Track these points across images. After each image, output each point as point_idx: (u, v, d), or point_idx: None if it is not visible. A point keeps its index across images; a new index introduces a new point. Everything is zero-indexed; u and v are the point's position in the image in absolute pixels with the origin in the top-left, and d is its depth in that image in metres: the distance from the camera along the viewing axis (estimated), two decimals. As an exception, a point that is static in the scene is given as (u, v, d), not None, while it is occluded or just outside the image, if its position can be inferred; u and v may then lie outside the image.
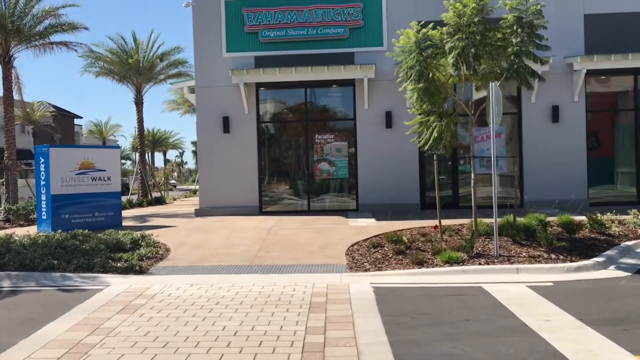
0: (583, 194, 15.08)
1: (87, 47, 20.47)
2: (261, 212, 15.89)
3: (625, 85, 15.87)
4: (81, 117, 54.09)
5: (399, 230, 11.62)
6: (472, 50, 9.85)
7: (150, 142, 67.24)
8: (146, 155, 74.45)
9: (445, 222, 11.49)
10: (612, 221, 11.52)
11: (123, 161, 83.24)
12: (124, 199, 24.10)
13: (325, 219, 14.13)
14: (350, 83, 15.67)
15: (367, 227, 12.46)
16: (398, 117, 15.44)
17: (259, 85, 15.85)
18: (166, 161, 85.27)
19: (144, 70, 23.99)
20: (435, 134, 10.78)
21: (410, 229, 11.83)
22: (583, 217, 11.56)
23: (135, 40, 24.32)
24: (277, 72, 15.00)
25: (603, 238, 10.80)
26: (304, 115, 16.07)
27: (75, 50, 19.29)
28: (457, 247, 9.85)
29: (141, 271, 9.45)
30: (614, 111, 16.20)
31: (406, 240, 10.45)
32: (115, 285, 8.55)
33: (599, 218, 11.25)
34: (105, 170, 13.90)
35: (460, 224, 11.96)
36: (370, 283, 8.36)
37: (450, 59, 9.94)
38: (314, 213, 15.56)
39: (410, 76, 10.53)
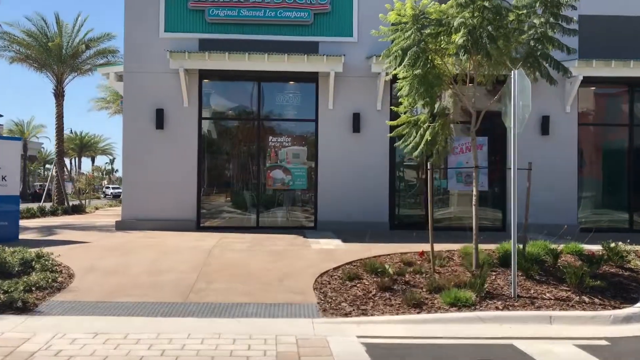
0: (573, 219, 13.20)
1: (-2, 25, 17.03)
2: (199, 228, 13.11)
3: (620, 96, 14.21)
4: (1, 115, 48.80)
5: (375, 257, 9.22)
6: (489, 28, 7.64)
7: (77, 146, 62.72)
8: (72, 160, 69.79)
9: (423, 246, 9.22)
10: (628, 252, 9.53)
11: (48, 166, 77.52)
12: (35, 205, 20.66)
13: (280, 238, 11.53)
14: (312, 78, 13.23)
15: (334, 250, 9.97)
16: (368, 120, 13.13)
17: (203, 73, 13.14)
18: (95, 168, 79.94)
19: (67, 57, 20.65)
20: (428, 136, 8.49)
21: (389, 255, 9.44)
22: (594, 247, 9.51)
23: (58, 22, 20.93)
24: (226, 57, 12.37)
25: (627, 274, 8.75)
26: (256, 113, 13.46)
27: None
28: (459, 283, 7.51)
29: (25, 309, 6.58)
30: (606, 125, 14.49)
31: (391, 272, 8.03)
32: (-25, 334, 5.67)
33: (619, 249, 9.23)
34: (-1, 168, 10.80)
35: (448, 250, 9.68)
36: (358, 336, 5.87)
37: (459, 39, 7.65)
38: (264, 230, 12.93)
39: (403, 60, 8.20)
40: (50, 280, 7.57)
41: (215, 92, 13.70)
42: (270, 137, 13.37)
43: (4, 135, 50.74)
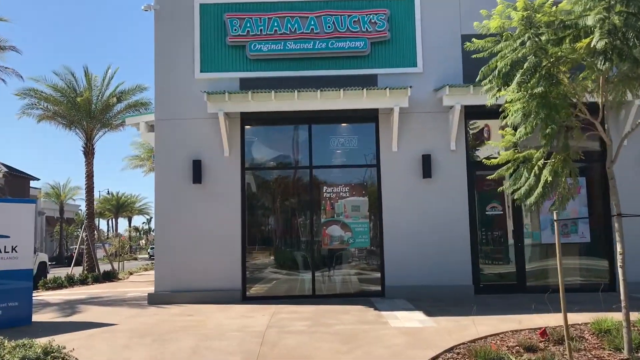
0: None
1: (19, 76, 15.79)
2: (245, 299, 11.04)
3: None
4: (38, 179, 48.47)
5: (480, 338, 6.98)
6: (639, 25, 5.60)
7: (113, 207, 61.99)
8: (109, 221, 69.13)
9: (535, 320, 6.99)
10: None
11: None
12: (63, 273, 19.00)
13: (344, 311, 9.37)
14: (371, 116, 11.33)
15: (421, 330, 7.74)
16: (440, 163, 11.08)
17: (245, 117, 11.38)
18: (132, 229, 79.10)
19: (97, 112, 19.38)
20: (547, 176, 6.40)
21: (497, 335, 7.21)
22: None
23: (87, 75, 19.74)
24: (272, 96, 10.58)
25: None
26: (307, 161, 11.52)
27: (3, 80, 14.63)
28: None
29: None
30: None
31: (519, 366, 5.79)
32: None
33: None
34: (7, 237, 9.03)
35: (572, 325, 7.38)
36: None
37: (596, 41, 5.60)
38: (322, 300, 10.79)
39: (512, 78, 6.21)
40: (56, 391, 5.59)
41: (259, 138, 11.88)
42: (325, 188, 11.39)
43: (42, 198, 50.31)
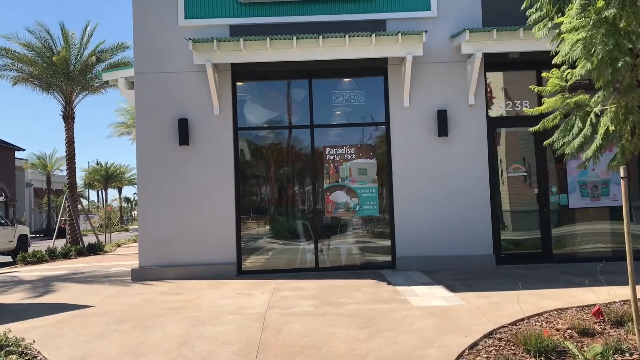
0: None
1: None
2: (241, 273, 9.92)
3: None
4: (23, 150, 46.84)
5: (523, 320, 5.90)
6: None
7: (102, 177, 60.64)
8: (99, 192, 67.70)
9: (575, 294, 5.97)
10: None
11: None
12: (43, 246, 17.82)
13: (354, 286, 8.26)
14: (379, 68, 10.06)
15: (449, 309, 6.62)
16: (457, 120, 9.87)
17: (237, 71, 10.07)
18: (123, 199, 77.60)
19: (76, 73, 17.85)
20: (609, 124, 5.24)
21: (540, 314, 6.11)
22: None
23: (63, 32, 18.14)
24: (267, 44, 9.25)
25: None
26: (308, 119, 10.27)
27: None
28: None
29: None
30: None
31: (582, 357, 4.68)
32: None
33: None
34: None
35: (623, 302, 6.35)
36: None
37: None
38: (327, 273, 9.70)
39: (569, 1, 4.98)
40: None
41: (253, 96, 10.58)
42: (328, 150, 10.16)
43: (29, 169, 48.76)
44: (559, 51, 5.47)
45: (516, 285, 7.48)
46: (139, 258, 9.91)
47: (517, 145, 10.31)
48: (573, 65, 5.48)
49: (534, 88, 6.25)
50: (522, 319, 5.92)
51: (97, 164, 62.46)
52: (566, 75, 5.88)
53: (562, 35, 5.32)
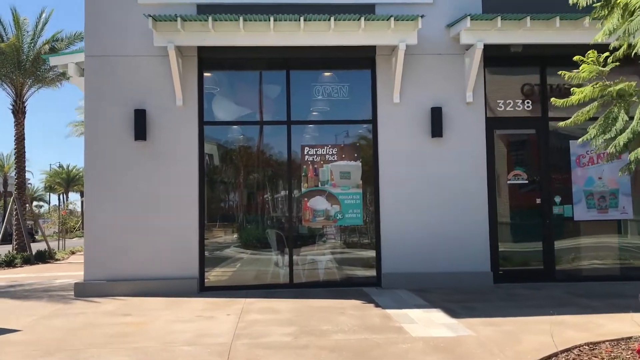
0: None
1: None
2: (202, 289, 8.59)
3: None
4: (-22, 149, 44.40)
5: (551, 357, 4.77)
6: None
7: (64, 180, 58.31)
8: (60, 196, 64.93)
9: (591, 321, 5.04)
10: None
11: (38, 203, 72.10)
12: (5, 251, 16.09)
13: (337, 308, 7.03)
14: (367, 59, 8.91)
15: (457, 341, 5.44)
16: (453, 118, 8.78)
17: (204, 56, 8.78)
18: (69, 203, 74.54)
19: (28, 63, 16.27)
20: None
21: (569, 351, 4.99)
22: None
23: (15, 17, 16.54)
24: (239, 26, 8.01)
25: None
26: (284, 114, 9.03)
27: None
28: None
29: None
30: None
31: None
32: None
33: None
34: None
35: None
36: None
37: None
38: (301, 289, 8.48)
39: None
40: None
41: (223, 85, 9.30)
42: (307, 150, 8.94)
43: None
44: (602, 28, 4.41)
45: (523, 309, 6.42)
46: (84, 271, 8.50)
47: (518, 149, 9.29)
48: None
49: (563, 74, 5.16)
50: (550, 357, 4.79)
51: (60, 166, 60.16)
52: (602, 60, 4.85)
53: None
